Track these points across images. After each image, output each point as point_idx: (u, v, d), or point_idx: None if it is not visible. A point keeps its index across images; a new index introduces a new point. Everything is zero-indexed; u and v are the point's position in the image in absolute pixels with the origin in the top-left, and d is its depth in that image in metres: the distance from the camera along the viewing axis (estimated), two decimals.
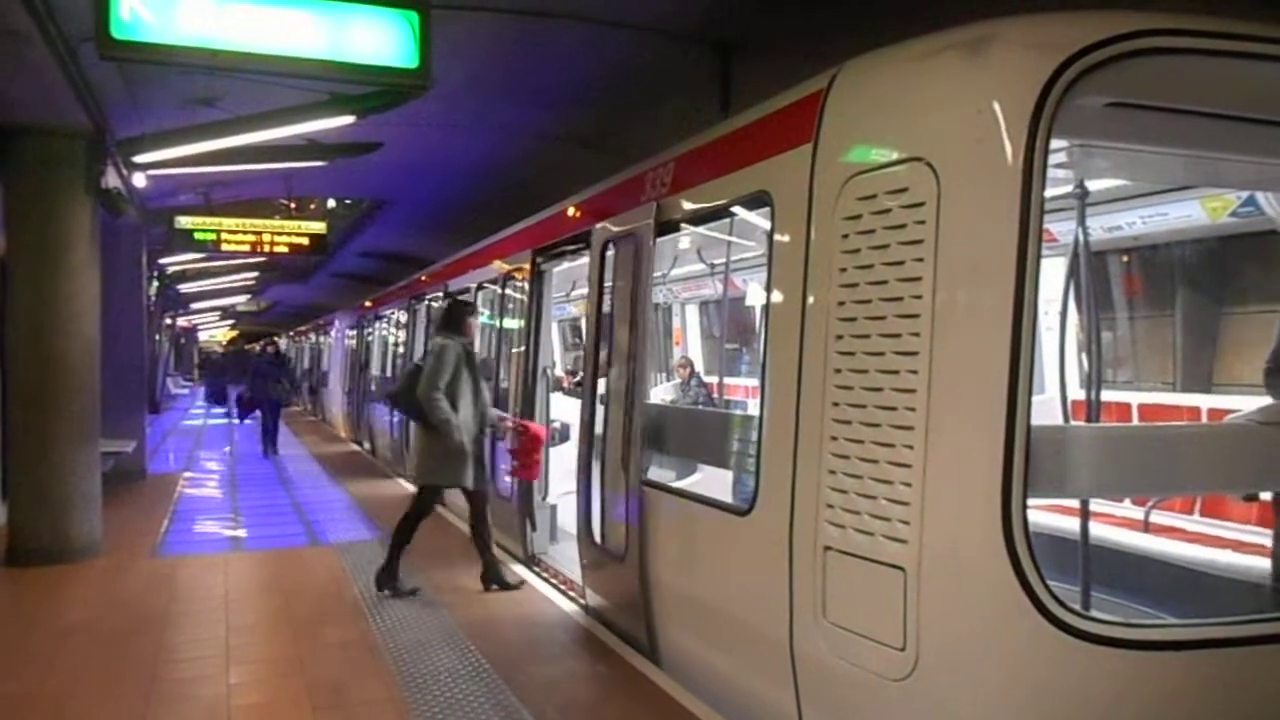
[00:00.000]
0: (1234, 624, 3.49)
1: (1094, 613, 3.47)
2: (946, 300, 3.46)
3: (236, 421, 20.94)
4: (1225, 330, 7.31)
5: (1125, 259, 7.70)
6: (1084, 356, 5.31)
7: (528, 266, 8.39)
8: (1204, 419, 6.43)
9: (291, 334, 41.49)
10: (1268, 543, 5.65)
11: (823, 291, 4.02)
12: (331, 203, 23.76)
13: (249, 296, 35.25)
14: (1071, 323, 4.36)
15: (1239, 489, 4.78)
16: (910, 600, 3.46)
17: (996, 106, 3.43)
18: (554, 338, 15.49)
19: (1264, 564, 5.21)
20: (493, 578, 7.22)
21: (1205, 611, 4.92)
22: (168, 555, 8.62)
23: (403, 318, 14.78)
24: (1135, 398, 7.12)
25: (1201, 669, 3.37)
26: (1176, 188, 5.98)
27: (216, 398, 28.11)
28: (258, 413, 17.92)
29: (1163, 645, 3.37)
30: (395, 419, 14.40)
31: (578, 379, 14.12)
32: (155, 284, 20.46)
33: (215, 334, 60.68)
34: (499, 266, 9.55)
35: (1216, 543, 5.70)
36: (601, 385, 6.42)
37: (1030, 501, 3.32)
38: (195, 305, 35.69)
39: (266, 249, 14.66)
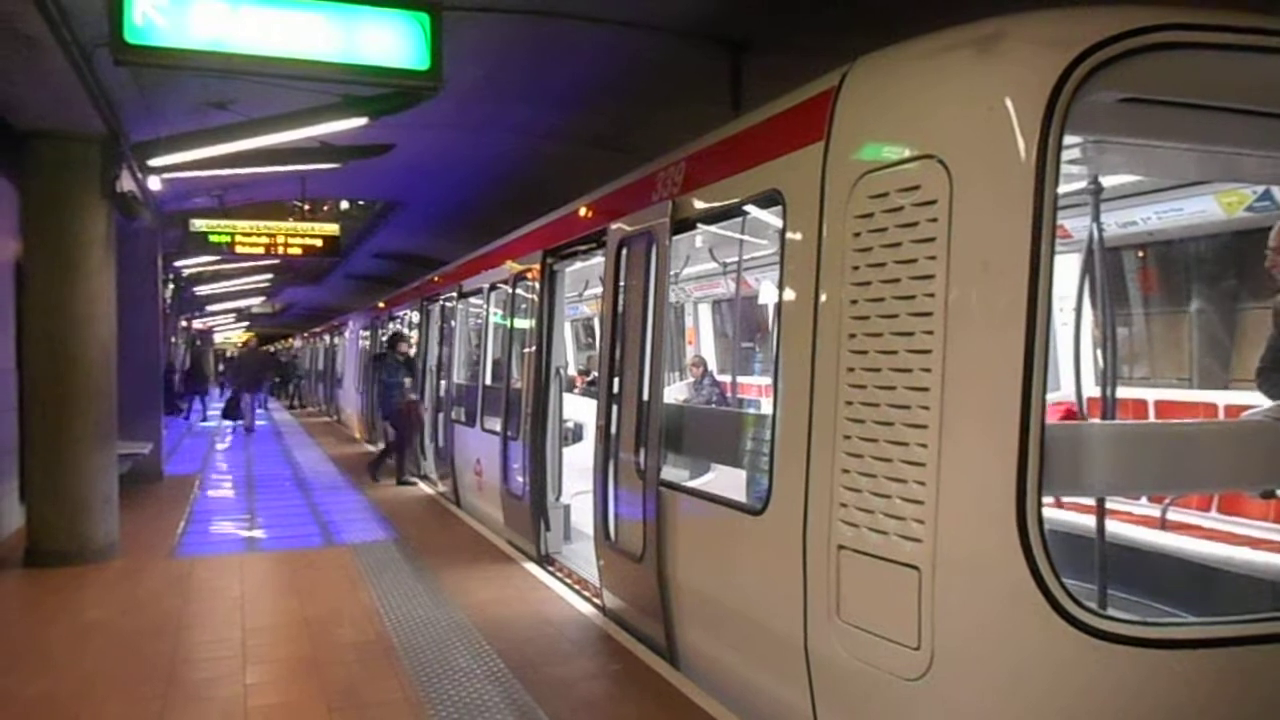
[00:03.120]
0: (1251, 622, 3.46)
1: (1110, 611, 3.46)
2: (959, 298, 3.45)
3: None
4: (1241, 326, 7.26)
5: (1140, 255, 7.67)
6: (1099, 353, 5.29)
7: (539, 267, 8.40)
8: (1221, 415, 6.39)
9: (306, 335, 41.68)
10: None
11: (835, 290, 4.01)
12: (345, 204, 23.89)
13: (264, 298, 35.43)
14: (1086, 319, 4.34)
15: (1256, 486, 4.75)
16: (925, 599, 3.45)
17: (1009, 103, 3.42)
18: (566, 337, 15.50)
19: None
20: None
21: (1223, 609, 4.89)
22: (184, 556, 8.66)
23: (416, 318, 14.81)
24: (1151, 394, 7.09)
25: (1218, 667, 3.34)
26: (1191, 183, 5.95)
27: (230, 410, 22.55)
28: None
29: (1179, 644, 3.35)
30: None
31: (590, 379, 14.14)
32: (171, 287, 20.56)
33: (231, 336, 60.94)
34: (511, 267, 9.57)
35: (1234, 540, 5.67)
36: (617, 385, 6.42)
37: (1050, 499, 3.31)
38: (211, 308, 35.91)
39: (280, 251, 14.74)
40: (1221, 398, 6.67)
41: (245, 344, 25.33)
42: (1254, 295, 7.19)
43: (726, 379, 11.24)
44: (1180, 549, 5.58)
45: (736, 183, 5.14)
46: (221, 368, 48.57)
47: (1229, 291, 7.28)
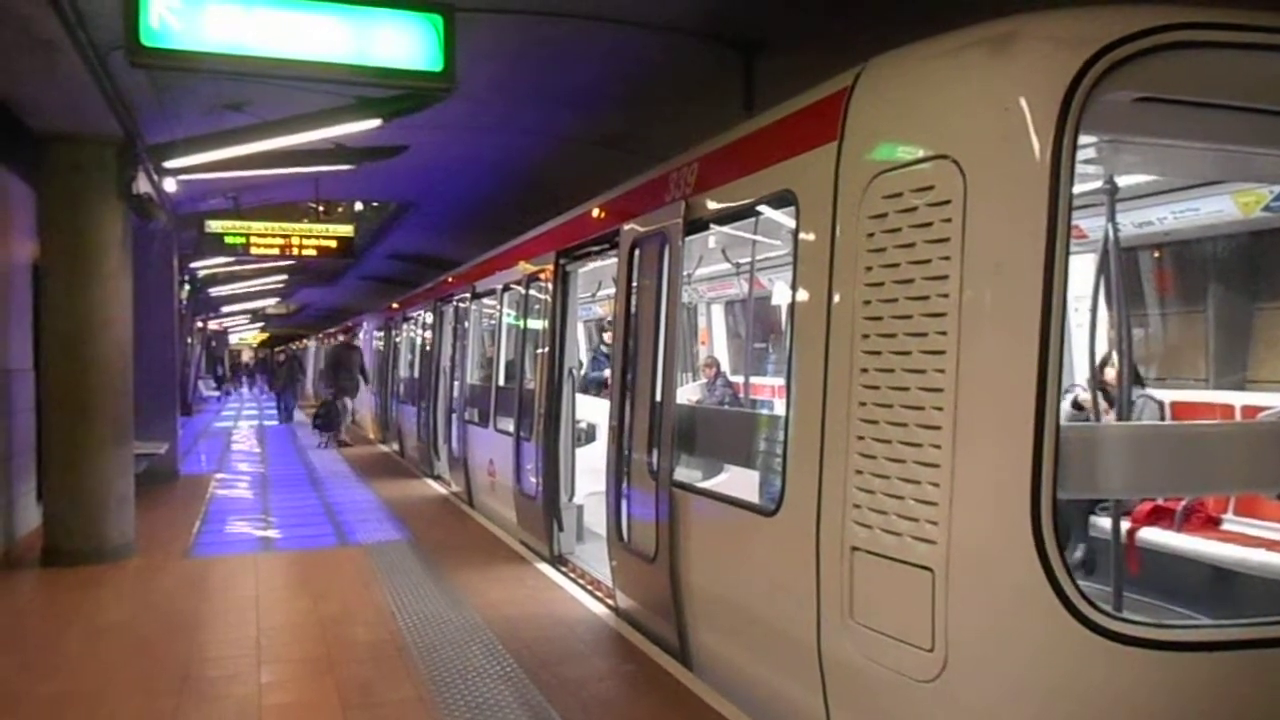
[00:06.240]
0: (1265, 624, 3.44)
1: (1125, 613, 3.44)
2: (973, 299, 3.44)
3: None
4: (1258, 326, 7.21)
5: (1156, 255, 7.62)
6: (1115, 354, 5.26)
7: (552, 268, 8.41)
8: (1238, 416, 6.34)
9: (320, 336, 41.81)
10: None
11: (848, 291, 4.00)
12: (359, 206, 23.98)
13: (278, 299, 35.59)
14: (1102, 320, 4.32)
15: (1273, 487, 4.72)
16: (938, 601, 3.44)
17: (1023, 103, 3.41)
18: (579, 338, 15.48)
19: None
20: None
21: (1238, 612, 4.86)
22: (200, 556, 8.71)
23: (429, 319, 14.86)
24: (1167, 395, 7.04)
25: (1233, 670, 3.32)
26: (1208, 182, 5.91)
27: (330, 418, 19.29)
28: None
29: (1194, 646, 3.33)
30: (424, 420, 14.49)
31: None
32: (186, 288, 20.65)
33: (245, 336, 61.36)
34: (524, 268, 9.58)
35: (1251, 542, 5.63)
36: (630, 386, 6.41)
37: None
38: (225, 309, 36.09)
39: (295, 252, 14.84)
40: (1238, 398, 6.63)
41: (343, 340, 21.85)
42: (1271, 295, 7.14)
43: (739, 380, 11.22)
44: (1196, 551, 5.54)
45: (749, 183, 5.13)
46: (237, 366, 48.40)
47: (1246, 291, 7.23)
